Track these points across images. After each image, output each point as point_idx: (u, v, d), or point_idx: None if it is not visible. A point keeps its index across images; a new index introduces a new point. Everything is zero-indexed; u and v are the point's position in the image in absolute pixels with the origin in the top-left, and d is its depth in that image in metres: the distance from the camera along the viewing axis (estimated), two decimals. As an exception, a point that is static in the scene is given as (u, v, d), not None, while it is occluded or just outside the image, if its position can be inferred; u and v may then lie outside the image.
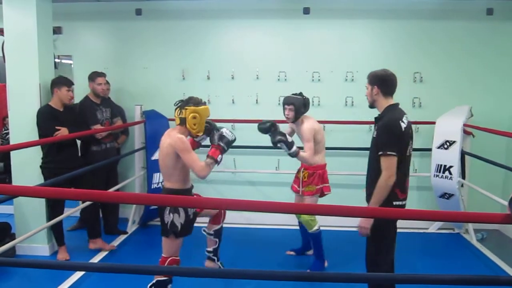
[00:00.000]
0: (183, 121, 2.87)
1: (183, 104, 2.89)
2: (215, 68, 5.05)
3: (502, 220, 1.77)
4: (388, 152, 2.58)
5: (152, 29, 5.09)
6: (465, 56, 4.87)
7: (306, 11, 4.91)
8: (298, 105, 3.63)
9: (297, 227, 4.90)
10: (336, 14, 4.92)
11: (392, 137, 2.61)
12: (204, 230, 3.35)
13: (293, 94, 3.74)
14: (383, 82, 2.72)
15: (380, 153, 2.61)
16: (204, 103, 2.95)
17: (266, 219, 5.00)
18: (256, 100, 5.04)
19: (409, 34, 4.89)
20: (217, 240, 3.34)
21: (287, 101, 3.68)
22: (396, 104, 2.75)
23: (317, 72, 4.95)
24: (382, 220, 2.61)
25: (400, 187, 2.65)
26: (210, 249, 3.36)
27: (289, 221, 4.96)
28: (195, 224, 3.01)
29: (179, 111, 2.89)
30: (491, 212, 1.86)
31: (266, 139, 5.02)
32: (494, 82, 4.87)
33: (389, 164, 2.59)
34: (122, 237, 4.59)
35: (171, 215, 2.83)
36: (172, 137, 2.81)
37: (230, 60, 5.04)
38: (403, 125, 2.63)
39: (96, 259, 4.01)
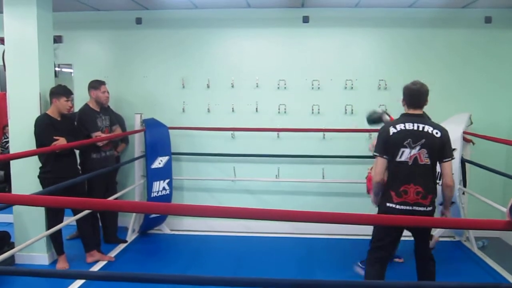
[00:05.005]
0: None
1: None
2: (215, 77, 5.06)
3: (503, 227, 1.77)
4: (374, 153, 2.98)
5: (152, 38, 5.11)
6: (464, 64, 4.88)
7: (306, 19, 4.94)
8: None
9: (296, 236, 4.89)
10: (335, 22, 4.95)
11: (379, 141, 2.97)
12: None
13: None
14: (404, 94, 3.02)
15: None
16: None
17: (266, 227, 4.98)
18: (256, 108, 5.04)
19: (408, 42, 4.90)
20: None
21: None
22: (407, 114, 2.98)
23: (316, 80, 4.96)
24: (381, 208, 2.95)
25: (395, 190, 2.86)
26: None
27: (288, 230, 4.96)
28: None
29: None
30: (492, 219, 1.86)
31: (266, 147, 5.06)
32: (493, 90, 4.88)
33: (375, 163, 2.96)
34: (122, 246, 4.56)
35: None
36: None
37: (230, 68, 5.05)
38: (393, 131, 2.89)
39: (95, 268, 3.99)
